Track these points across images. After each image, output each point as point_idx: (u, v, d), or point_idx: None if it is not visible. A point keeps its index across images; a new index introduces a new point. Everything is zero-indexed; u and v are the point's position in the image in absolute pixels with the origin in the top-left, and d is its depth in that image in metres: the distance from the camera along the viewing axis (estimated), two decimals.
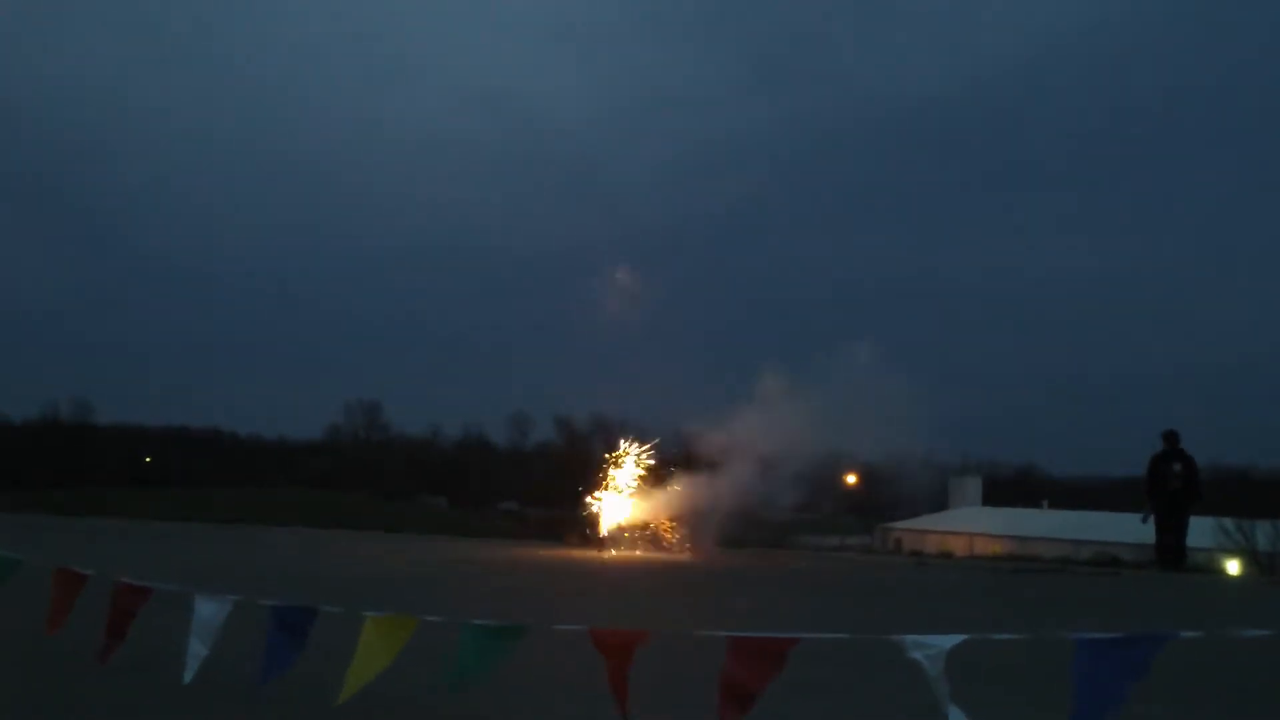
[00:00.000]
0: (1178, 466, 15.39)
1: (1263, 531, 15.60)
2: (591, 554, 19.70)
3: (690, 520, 21.47)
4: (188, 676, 3.74)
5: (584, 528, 22.97)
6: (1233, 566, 15.70)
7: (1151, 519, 15.54)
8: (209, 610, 4.13)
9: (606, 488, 22.23)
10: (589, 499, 22.59)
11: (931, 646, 2.73)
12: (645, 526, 21.94)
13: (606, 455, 22.53)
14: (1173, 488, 15.36)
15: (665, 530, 21.59)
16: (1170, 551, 15.33)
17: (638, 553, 20.53)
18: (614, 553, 20.20)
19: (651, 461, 22.44)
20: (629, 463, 22.34)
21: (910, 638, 2.82)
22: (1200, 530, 16.00)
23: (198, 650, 3.80)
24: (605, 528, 21.98)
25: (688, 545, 21.06)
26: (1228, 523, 15.97)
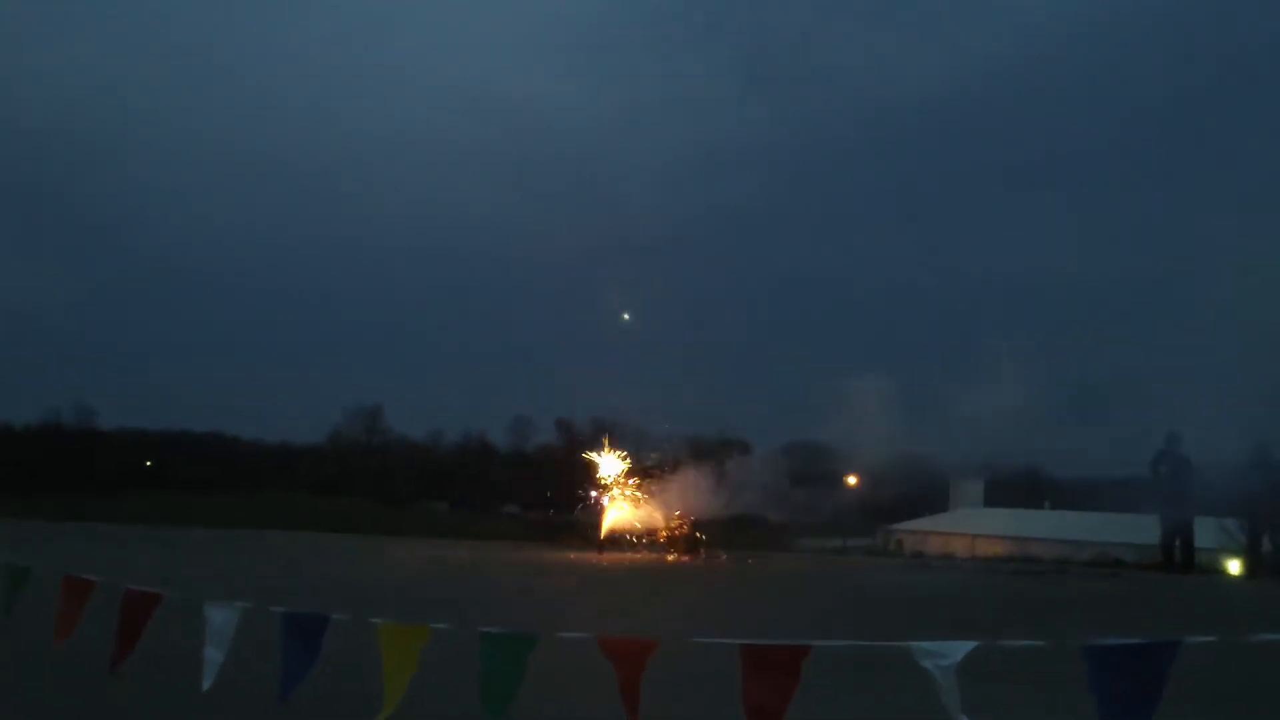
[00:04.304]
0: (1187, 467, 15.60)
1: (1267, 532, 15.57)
2: (590, 556, 19.69)
3: (688, 523, 21.49)
4: (206, 683, 3.77)
5: (583, 531, 23.01)
6: (1234, 567, 15.72)
7: (1158, 522, 15.66)
8: (221, 618, 4.15)
9: (606, 491, 22.27)
10: (588, 502, 22.65)
11: (942, 655, 2.73)
12: (643, 529, 21.96)
13: (606, 458, 22.55)
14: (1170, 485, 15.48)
15: (663, 533, 21.60)
16: (1180, 552, 15.46)
17: (635, 555, 20.52)
18: (610, 555, 20.20)
19: (649, 464, 22.48)
20: (627, 466, 22.39)
21: (919, 645, 2.83)
22: (1202, 531, 16.05)
23: (214, 657, 3.83)
24: (604, 530, 22.02)
25: (686, 548, 21.05)
26: (1230, 523, 15.94)
